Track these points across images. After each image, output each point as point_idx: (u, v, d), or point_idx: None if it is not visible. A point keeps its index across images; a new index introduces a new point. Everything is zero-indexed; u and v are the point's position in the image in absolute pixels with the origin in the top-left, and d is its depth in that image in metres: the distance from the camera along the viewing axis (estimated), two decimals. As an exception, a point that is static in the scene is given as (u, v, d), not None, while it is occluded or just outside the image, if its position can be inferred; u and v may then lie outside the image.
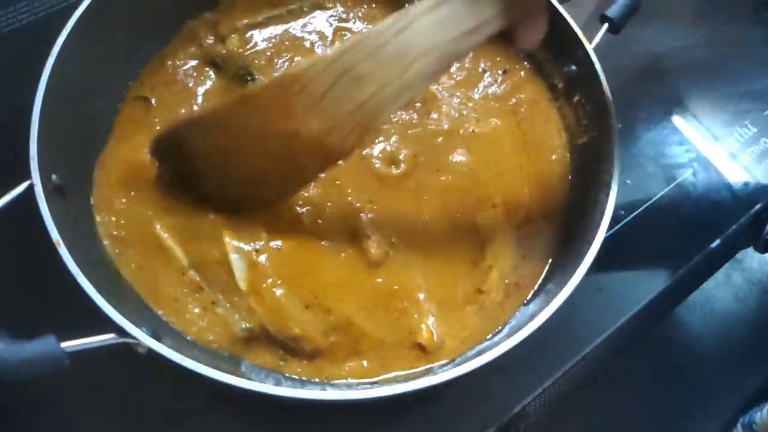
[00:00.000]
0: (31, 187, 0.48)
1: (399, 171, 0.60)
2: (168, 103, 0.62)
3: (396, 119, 0.63)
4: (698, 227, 0.71)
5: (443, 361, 0.54)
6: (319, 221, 0.57)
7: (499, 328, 0.56)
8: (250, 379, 0.46)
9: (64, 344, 0.42)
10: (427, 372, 0.53)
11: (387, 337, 0.54)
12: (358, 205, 0.58)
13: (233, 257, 0.53)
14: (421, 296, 0.55)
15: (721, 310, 0.83)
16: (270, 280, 0.53)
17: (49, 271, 0.46)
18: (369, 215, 0.58)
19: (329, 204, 0.58)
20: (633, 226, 0.69)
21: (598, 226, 0.52)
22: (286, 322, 0.52)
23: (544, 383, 0.61)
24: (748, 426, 0.71)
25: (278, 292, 0.53)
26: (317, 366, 0.53)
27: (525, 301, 0.57)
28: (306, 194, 0.58)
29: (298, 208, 0.57)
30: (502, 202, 0.60)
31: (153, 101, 0.62)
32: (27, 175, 0.49)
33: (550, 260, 0.59)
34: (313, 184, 0.58)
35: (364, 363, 0.53)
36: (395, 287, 0.55)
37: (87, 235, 0.54)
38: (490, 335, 0.56)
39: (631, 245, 0.69)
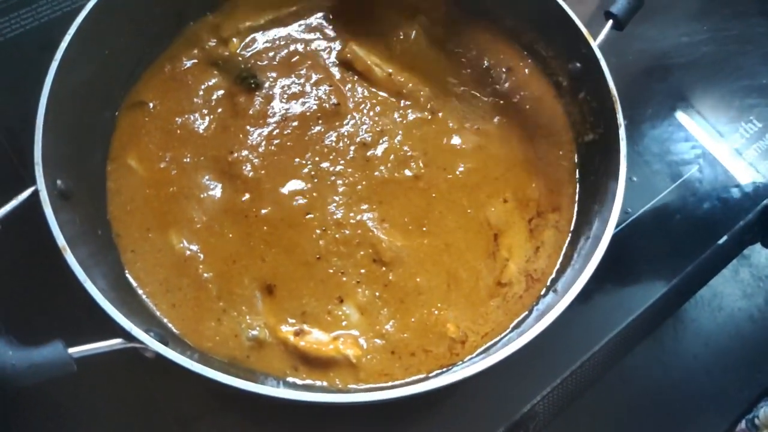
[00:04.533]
0: (36, 193, 0.48)
1: (406, 171, 0.60)
2: (169, 105, 0.62)
3: (400, 119, 0.63)
4: (705, 224, 0.70)
5: (466, 359, 0.54)
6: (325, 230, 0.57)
7: (516, 321, 0.56)
8: (260, 383, 0.46)
9: (72, 350, 0.42)
10: (449, 371, 0.53)
11: (413, 339, 0.54)
12: (365, 206, 0.58)
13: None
14: (444, 292, 0.56)
15: (729, 307, 0.83)
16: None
17: (56, 277, 0.46)
18: (378, 215, 0.58)
19: (335, 211, 0.58)
20: (640, 224, 0.69)
21: (606, 223, 0.52)
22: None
23: (553, 382, 0.61)
24: (751, 420, 0.70)
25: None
26: (328, 376, 0.53)
27: (540, 294, 0.57)
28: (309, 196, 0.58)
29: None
30: (513, 197, 0.60)
31: (151, 106, 0.62)
32: (32, 181, 0.48)
33: (563, 253, 0.59)
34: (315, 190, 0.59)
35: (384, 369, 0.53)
36: (415, 284, 0.56)
37: (94, 241, 0.54)
38: (509, 329, 0.56)
39: (638, 242, 0.69)
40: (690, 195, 0.72)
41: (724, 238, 0.70)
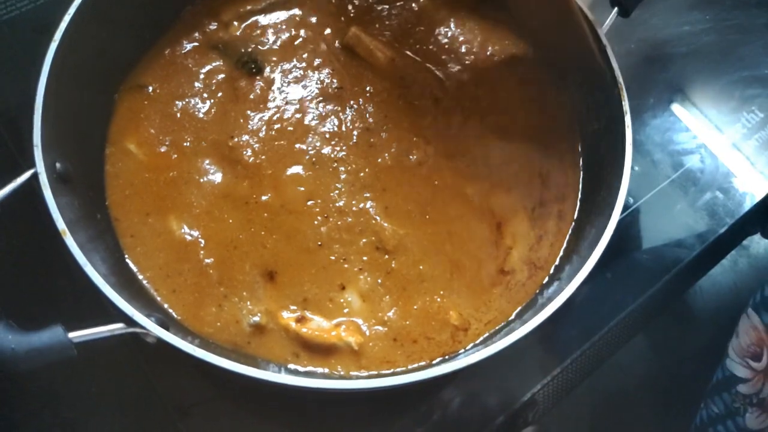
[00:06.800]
0: (35, 176, 0.47)
1: (409, 158, 0.60)
2: (169, 89, 0.61)
3: (403, 105, 0.62)
4: (706, 214, 0.71)
5: (468, 347, 0.54)
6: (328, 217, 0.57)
7: (519, 309, 0.56)
8: (261, 369, 0.46)
9: (72, 334, 0.42)
10: (451, 358, 0.53)
11: (415, 326, 0.54)
12: (368, 193, 0.58)
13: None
14: (447, 280, 0.55)
15: (727, 296, 0.83)
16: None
17: (56, 262, 0.46)
18: (381, 203, 0.58)
19: (338, 198, 0.58)
20: (641, 213, 0.69)
21: (610, 212, 0.51)
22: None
23: (552, 372, 0.61)
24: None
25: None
26: (329, 363, 0.53)
27: (543, 282, 0.57)
28: (311, 182, 0.58)
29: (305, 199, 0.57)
30: (516, 187, 0.60)
31: (151, 89, 0.61)
32: (29, 166, 0.48)
33: (566, 242, 0.59)
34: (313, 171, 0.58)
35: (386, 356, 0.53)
36: (418, 272, 0.55)
37: (93, 225, 0.53)
38: (511, 317, 0.56)
39: (638, 232, 0.69)
40: (691, 185, 0.72)
41: (724, 228, 0.70)
